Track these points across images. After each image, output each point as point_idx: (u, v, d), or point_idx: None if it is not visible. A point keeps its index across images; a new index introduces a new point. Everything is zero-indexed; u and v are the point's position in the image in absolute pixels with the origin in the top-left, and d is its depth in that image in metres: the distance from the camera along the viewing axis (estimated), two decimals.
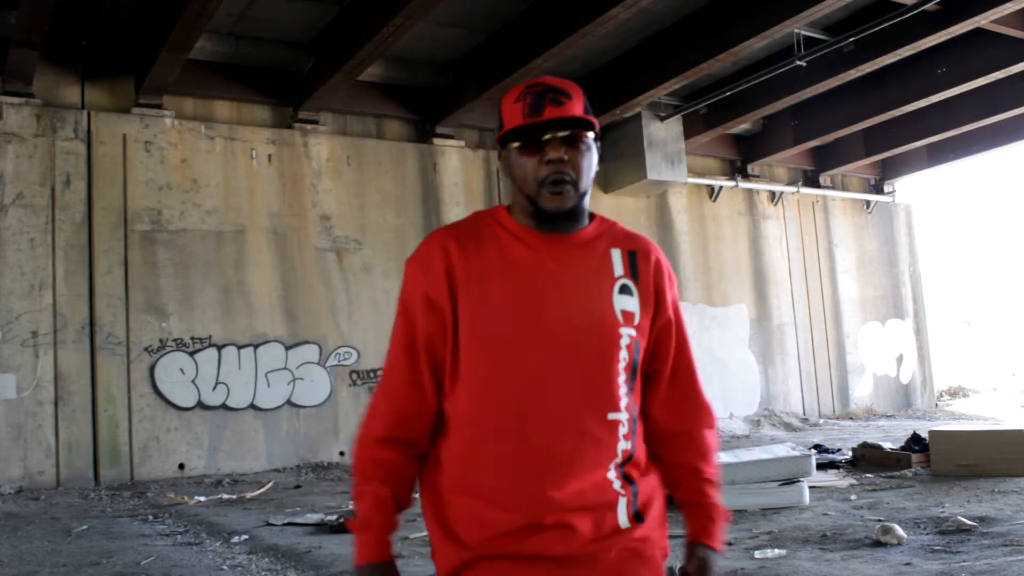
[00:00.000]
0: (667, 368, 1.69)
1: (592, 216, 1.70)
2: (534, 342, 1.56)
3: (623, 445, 1.59)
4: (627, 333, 1.60)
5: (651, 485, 1.66)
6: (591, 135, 1.61)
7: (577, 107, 1.59)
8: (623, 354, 1.60)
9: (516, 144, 1.59)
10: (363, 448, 1.68)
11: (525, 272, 1.60)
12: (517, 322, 1.57)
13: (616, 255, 1.66)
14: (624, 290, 1.63)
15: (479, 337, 1.57)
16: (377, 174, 11.52)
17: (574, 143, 1.58)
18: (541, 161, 1.56)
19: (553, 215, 1.60)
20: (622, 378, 1.60)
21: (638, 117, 12.43)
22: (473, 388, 1.58)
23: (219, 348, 10.20)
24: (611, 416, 1.58)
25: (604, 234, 1.69)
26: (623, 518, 1.58)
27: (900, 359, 16.64)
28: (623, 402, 1.59)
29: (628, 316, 1.61)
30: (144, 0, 9.30)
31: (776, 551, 4.84)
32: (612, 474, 1.58)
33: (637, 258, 1.68)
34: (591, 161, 1.61)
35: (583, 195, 1.62)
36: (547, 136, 1.56)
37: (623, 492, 1.59)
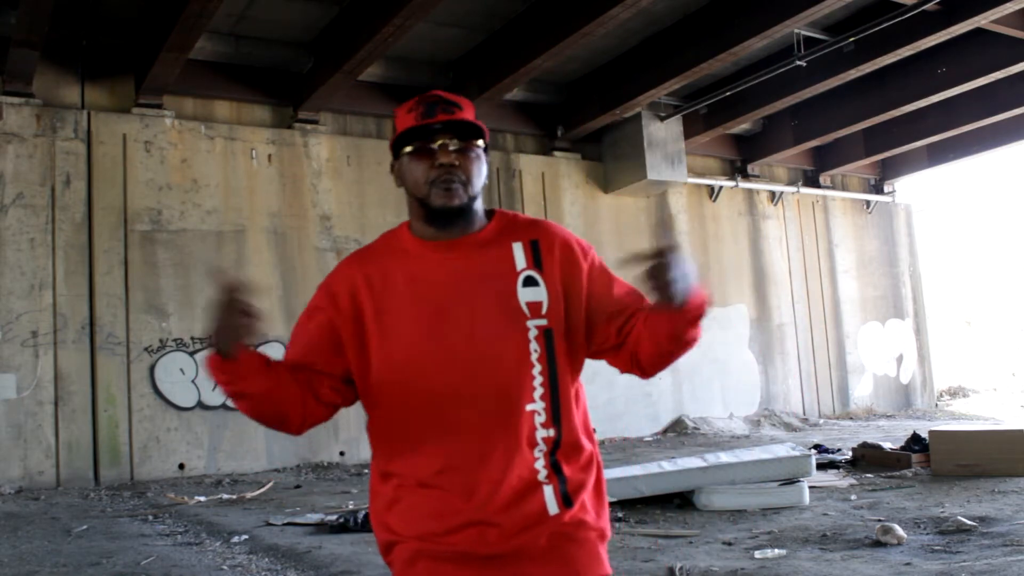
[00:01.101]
0: (624, 308, 1.69)
1: (492, 213, 1.74)
2: (439, 353, 1.61)
3: (542, 433, 1.62)
4: (535, 324, 1.63)
5: (583, 467, 1.67)
6: (481, 143, 1.66)
7: (468, 115, 1.65)
8: (532, 346, 1.62)
9: (408, 149, 1.64)
10: None
11: (423, 286, 1.65)
12: (422, 340, 1.62)
13: (518, 248, 1.68)
14: (529, 282, 1.66)
15: (388, 365, 1.64)
16: (377, 174, 11.52)
17: (464, 151, 1.64)
18: (432, 165, 1.62)
19: (443, 212, 1.63)
20: (536, 368, 1.62)
21: (638, 117, 12.44)
22: (387, 400, 1.65)
23: None
24: (528, 407, 1.61)
25: (505, 230, 1.71)
26: (552, 505, 1.61)
27: (900, 359, 16.64)
28: (537, 392, 1.62)
29: (535, 307, 1.64)
30: (144, 0, 9.30)
31: (776, 551, 4.84)
32: (539, 463, 1.61)
33: (540, 246, 1.69)
34: (481, 168, 1.66)
35: (472, 198, 1.65)
36: (438, 142, 1.62)
37: (548, 481, 1.61)
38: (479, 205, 1.69)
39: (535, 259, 1.67)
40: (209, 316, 1.53)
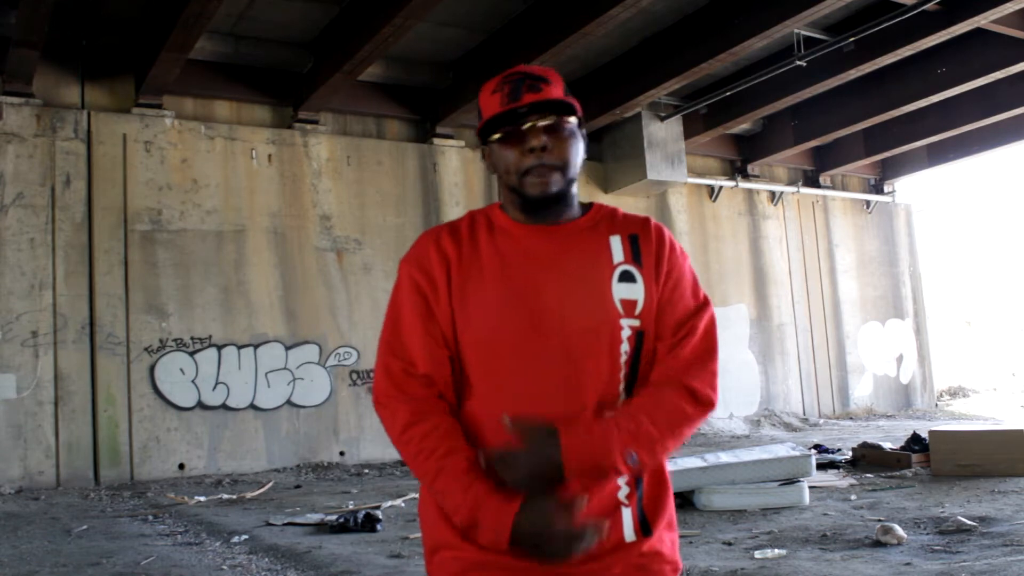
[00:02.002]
0: (663, 329, 1.55)
1: (590, 205, 1.63)
2: (527, 341, 1.48)
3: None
4: (628, 324, 1.50)
5: (659, 488, 1.54)
6: (573, 120, 1.54)
7: (556, 91, 1.52)
8: (623, 347, 1.50)
9: (497, 136, 1.53)
10: (385, 400, 1.54)
11: (516, 267, 1.52)
12: (509, 320, 1.49)
13: (615, 241, 1.57)
14: (625, 277, 1.53)
15: (472, 337, 1.51)
16: (377, 174, 11.52)
17: (555, 130, 1.51)
18: (523, 151, 1.50)
19: (539, 201, 1.53)
20: (623, 372, 1.50)
21: (638, 117, 12.44)
22: (470, 386, 1.53)
23: (219, 348, 10.20)
24: (608, 415, 1.47)
25: (602, 222, 1.60)
26: (628, 530, 1.48)
27: (900, 359, 16.64)
28: (622, 398, 1.50)
29: (629, 305, 1.51)
30: (144, 0, 9.30)
31: (776, 551, 4.84)
32: (621, 479, 1.48)
33: (639, 241, 1.57)
34: (576, 147, 1.54)
35: (570, 181, 1.54)
36: (527, 124, 1.50)
37: (627, 502, 1.49)
38: (575, 188, 1.58)
39: (634, 253, 1.55)
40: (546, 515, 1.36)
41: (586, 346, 1.48)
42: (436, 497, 1.48)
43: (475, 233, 1.58)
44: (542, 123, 1.50)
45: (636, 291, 1.53)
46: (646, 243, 1.57)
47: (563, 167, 1.51)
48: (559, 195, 1.53)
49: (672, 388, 1.50)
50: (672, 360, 1.52)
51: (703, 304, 1.58)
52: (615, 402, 1.49)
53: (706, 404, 1.51)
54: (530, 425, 1.41)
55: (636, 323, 1.51)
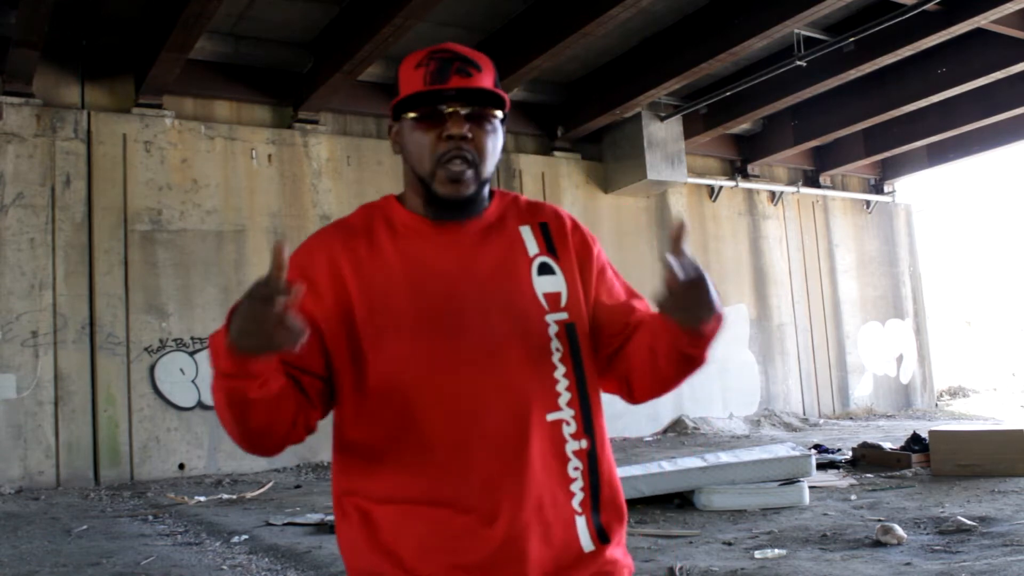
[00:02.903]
0: (625, 315, 1.48)
1: (492, 193, 1.48)
2: (448, 354, 1.34)
3: (574, 446, 1.37)
4: (554, 319, 1.39)
5: (613, 491, 1.42)
6: (499, 114, 1.40)
7: (487, 80, 1.37)
8: (555, 344, 1.38)
9: (412, 115, 1.37)
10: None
11: (425, 270, 1.38)
12: (426, 333, 1.34)
13: (527, 232, 1.45)
14: (544, 269, 1.42)
15: (383, 358, 1.35)
16: (377, 174, 11.52)
17: (479, 120, 1.37)
18: (440, 136, 1.35)
19: (447, 203, 1.38)
20: (560, 371, 1.38)
21: (638, 117, 12.44)
22: (384, 409, 1.35)
23: None
24: (551, 417, 1.36)
25: (508, 211, 1.47)
26: (585, 540, 1.36)
27: (900, 359, 16.64)
28: (563, 398, 1.37)
29: (553, 298, 1.40)
30: (144, 0, 9.30)
31: (776, 551, 4.84)
32: (576, 484, 1.37)
33: (550, 229, 1.46)
34: (496, 144, 1.40)
35: (484, 182, 1.40)
36: (449, 109, 1.35)
37: (581, 510, 1.36)
38: (487, 189, 1.44)
39: (547, 243, 1.44)
40: (248, 296, 1.24)
41: (513, 346, 1.36)
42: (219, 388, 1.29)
43: (371, 233, 1.41)
44: (465, 111, 1.35)
45: (557, 283, 1.42)
46: (558, 233, 1.46)
47: (479, 163, 1.37)
48: (470, 199, 1.39)
49: None
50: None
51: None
52: (556, 404, 1.37)
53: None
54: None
55: (563, 316, 1.40)
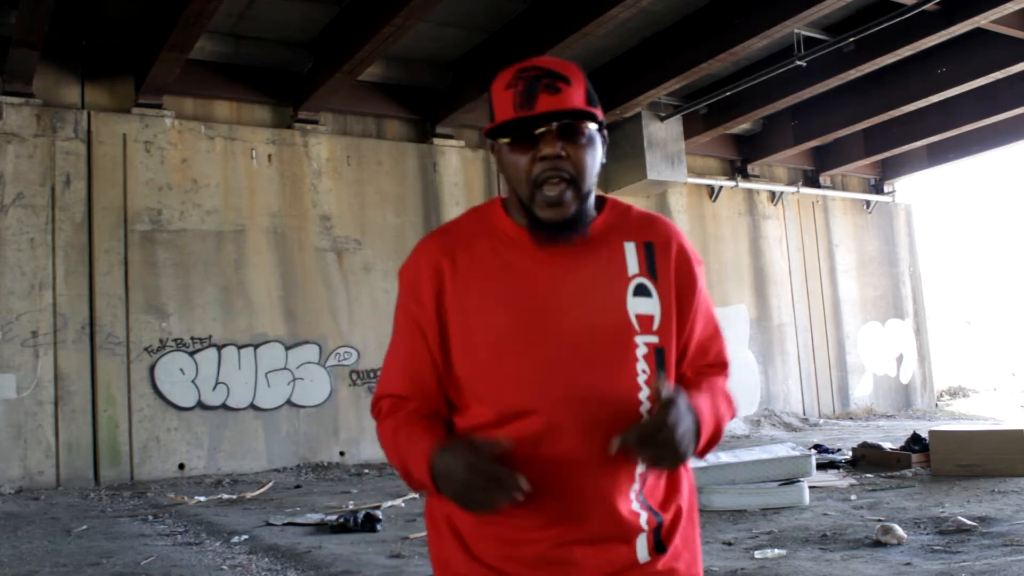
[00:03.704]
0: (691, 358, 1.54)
1: (603, 202, 1.50)
2: (534, 361, 1.38)
3: (642, 468, 1.42)
4: (644, 341, 1.41)
5: (677, 505, 1.49)
6: (593, 126, 1.40)
7: (576, 94, 1.38)
8: (641, 366, 1.40)
9: (505, 140, 1.40)
10: (374, 409, 1.55)
11: (522, 283, 1.41)
12: (514, 341, 1.39)
13: (630, 249, 1.45)
14: (640, 291, 1.43)
15: (473, 360, 1.42)
16: (377, 174, 11.52)
17: (572, 136, 1.37)
18: (534, 158, 1.36)
19: (550, 226, 1.40)
20: (644, 393, 1.40)
21: (638, 117, 12.44)
22: (474, 413, 1.44)
23: (219, 348, 10.20)
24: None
25: (616, 225, 1.48)
26: (642, 552, 1.42)
27: (900, 359, 16.64)
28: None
29: (645, 321, 1.41)
30: (144, 0, 9.30)
31: (776, 551, 4.84)
32: (635, 505, 1.42)
33: (655, 250, 1.46)
34: (594, 156, 1.40)
35: (586, 195, 1.41)
36: (541, 129, 1.36)
37: (645, 527, 1.42)
38: (590, 202, 1.44)
39: (649, 264, 1.44)
40: (468, 479, 1.31)
41: (597, 362, 1.39)
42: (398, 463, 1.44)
43: (472, 242, 1.46)
44: (557, 128, 1.36)
45: (652, 306, 1.43)
46: (662, 254, 1.46)
47: (578, 179, 1.37)
48: (572, 219, 1.40)
49: (719, 387, 1.53)
50: (708, 374, 1.54)
51: (717, 321, 1.58)
52: (631, 420, 1.39)
53: (734, 409, 1.57)
54: (668, 394, 1.34)
55: (654, 339, 1.42)
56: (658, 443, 1.30)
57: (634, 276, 1.43)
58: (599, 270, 1.43)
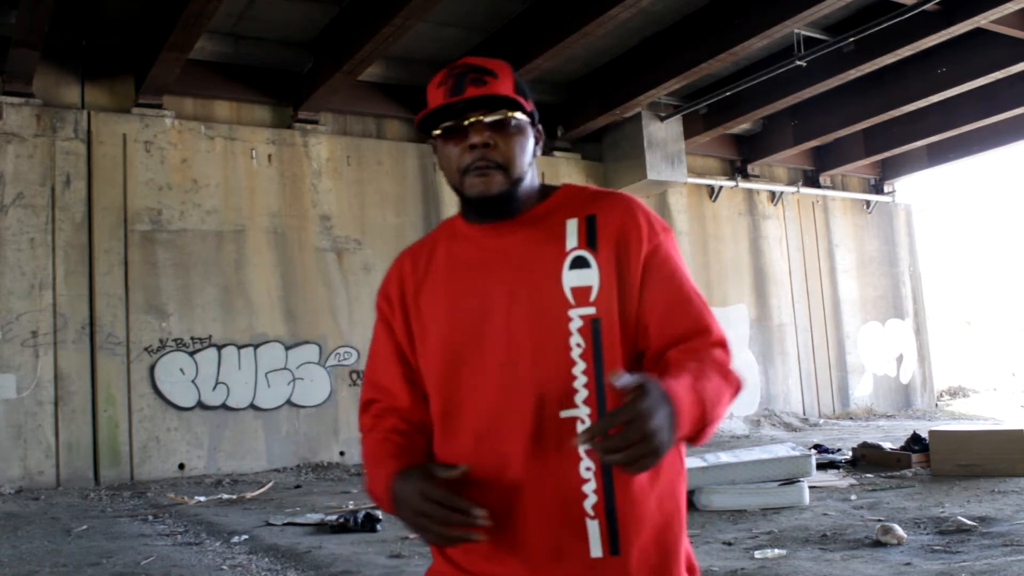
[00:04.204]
0: (654, 319, 1.41)
1: (556, 189, 1.51)
2: (474, 346, 1.41)
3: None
4: (579, 314, 1.37)
5: (647, 494, 1.36)
6: (521, 116, 1.42)
7: (504, 85, 1.41)
8: (575, 339, 1.36)
9: (437, 132, 1.44)
10: (361, 421, 1.61)
11: (465, 273, 1.46)
12: (455, 329, 1.43)
13: (571, 225, 1.43)
14: (577, 263, 1.40)
15: (427, 352, 1.48)
16: (377, 174, 11.52)
17: (501, 126, 1.40)
18: (464, 148, 1.40)
19: (480, 203, 1.42)
20: (579, 367, 1.35)
21: (638, 117, 12.43)
22: (433, 405, 1.49)
23: (219, 348, 10.20)
24: (564, 414, 1.35)
25: (562, 206, 1.47)
26: (595, 546, 1.33)
27: (900, 359, 16.64)
28: (580, 395, 1.35)
29: (581, 293, 1.38)
30: (144, 0, 9.30)
31: (776, 551, 4.84)
32: (588, 486, 1.33)
33: (597, 222, 1.43)
34: (524, 144, 1.42)
35: (516, 181, 1.42)
36: (470, 120, 1.39)
37: (593, 513, 1.33)
38: (529, 182, 1.45)
39: (589, 237, 1.42)
40: (418, 507, 1.30)
41: (531, 340, 1.38)
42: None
43: (435, 245, 1.53)
44: (486, 119, 1.39)
45: (590, 276, 1.38)
46: (606, 224, 1.42)
47: (506, 166, 1.40)
48: (501, 196, 1.41)
49: (709, 360, 1.37)
50: (690, 345, 1.40)
51: (690, 288, 1.43)
52: (572, 400, 1.35)
53: (738, 380, 1.41)
54: (642, 381, 1.22)
55: (590, 311, 1.37)
56: (629, 440, 1.15)
57: (572, 249, 1.41)
58: (534, 249, 1.43)
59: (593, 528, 1.33)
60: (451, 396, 1.44)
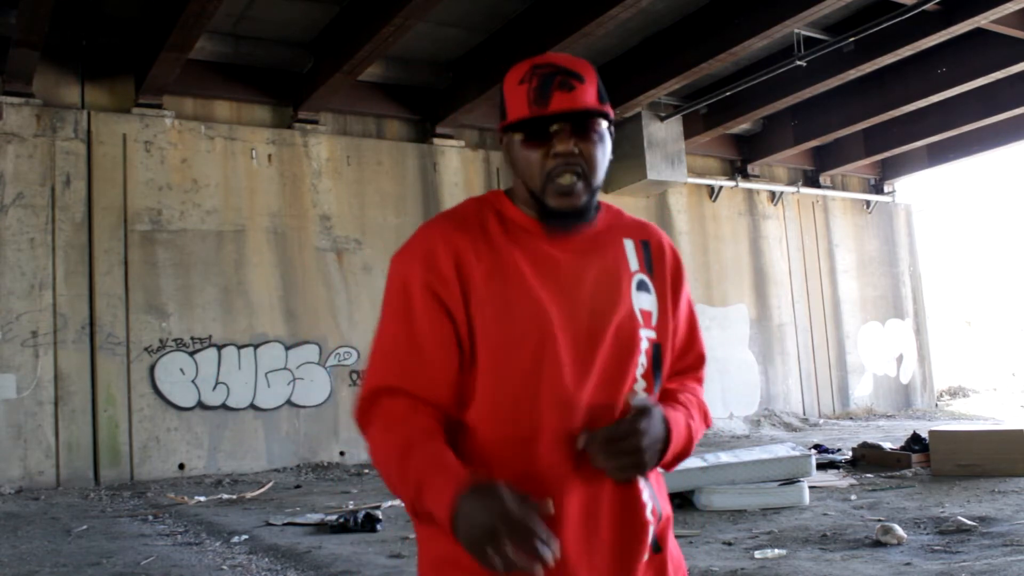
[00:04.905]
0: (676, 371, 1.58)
1: (597, 203, 1.52)
2: (556, 348, 1.38)
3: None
4: (646, 336, 1.44)
5: (667, 499, 1.52)
6: (604, 123, 1.42)
7: (589, 92, 1.39)
8: (641, 359, 1.43)
9: (519, 136, 1.40)
10: (364, 408, 1.41)
11: (546, 266, 1.41)
12: (541, 327, 1.38)
13: (629, 246, 1.49)
14: (641, 286, 1.47)
15: (499, 348, 1.38)
16: (377, 174, 11.52)
17: (585, 133, 1.39)
18: (548, 154, 1.38)
19: (561, 214, 1.41)
20: (641, 385, 1.43)
21: (638, 117, 12.43)
22: (491, 399, 1.38)
23: (219, 348, 10.20)
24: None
25: (614, 224, 1.51)
26: (647, 548, 1.43)
27: (900, 359, 16.64)
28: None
29: (646, 316, 1.45)
30: (144, 0, 9.30)
31: (776, 551, 4.84)
32: (645, 494, 1.43)
33: (651, 249, 1.51)
34: (604, 152, 1.43)
35: (595, 191, 1.43)
36: (555, 127, 1.37)
37: (652, 519, 1.42)
38: (597, 198, 1.47)
39: (647, 262, 1.49)
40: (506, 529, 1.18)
41: (610, 353, 1.40)
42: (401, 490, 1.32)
43: (486, 228, 1.43)
44: (572, 127, 1.38)
45: (651, 302, 1.47)
46: (658, 255, 1.51)
47: (589, 173, 1.40)
48: (583, 208, 1.42)
49: (697, 401, 1.54)
50: (689, 380, 1.57)
51: (698, 320, 1.62)
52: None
53: (710, 421, 1.58)
54: (643, 403, 1.37)
55: (653, 335, 1.46)
56: (622, 450, 1.31)
57: (635, 272, 1.47)
58: (608, 262, 1.45)
59: (650, 532, 1.42)
60: (525, 402, 1.36)
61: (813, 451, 8.48)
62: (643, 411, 1.33)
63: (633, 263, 1.48)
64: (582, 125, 1.38)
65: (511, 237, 1.43)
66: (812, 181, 15.88)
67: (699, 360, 1.60)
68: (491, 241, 1.41)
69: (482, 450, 1.37)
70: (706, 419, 1.54)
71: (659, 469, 1.46)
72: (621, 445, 1.31)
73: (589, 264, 1.44)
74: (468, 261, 1.38)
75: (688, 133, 12.96)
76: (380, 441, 1.37)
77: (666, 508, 1.49)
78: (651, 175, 12.54)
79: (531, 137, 1.39)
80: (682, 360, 1.56)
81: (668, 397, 1.49)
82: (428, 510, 1.27)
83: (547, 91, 1.36)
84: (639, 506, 1.41)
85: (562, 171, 1.38)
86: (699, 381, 1.60)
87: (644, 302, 1.46)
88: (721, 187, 14.58)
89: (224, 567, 5.13)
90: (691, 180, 13.68)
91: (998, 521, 5.40)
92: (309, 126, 11.19)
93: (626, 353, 1.42)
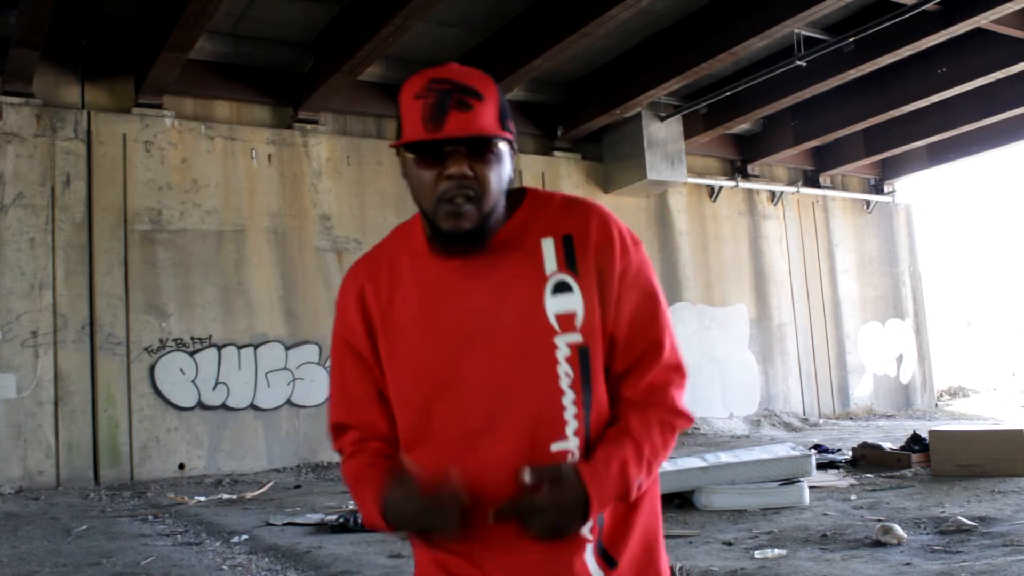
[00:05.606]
0: (620, 341, 1.41)
1: (522, 195, 1.44)
2: (453, 377, 1.36)
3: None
4: (565, 342, 1.34)
5: (629, 514, 1.40)
6: (502, 145, 1.35)
7: (488, 113, 1.33)
8: (563, 369, 1.34)
9: (411, 156, 1.34)
10: (332, 441, 1.54)
11: (434, 296, 1.39)
12: (431, 359, 1.37)
13: (548, 246, 1.38)
14: (560, 288, 1.36)
15: (397, 380, 1.42)
16: (377, 174, 11.52)
17: (481, 154, 1.32)
18: (441, 175, 1.31)
19: (451, 237, 1.34)
20: (568, 398, 1.34)
21: (638, 117, 12.44)
22: (402, 433, 1.43)
23: (219, 348, 10.20)
24: (555, 447, 1.34)
25: (534, 221, 1.41)
26: (592, 564, 1.35)
27: (900, 359, 16.64)
28: (571, 427, 1.34)
29: (566, 319, 1.34)
30: (144, 0, 9.30)
31: (776, 551, 4.84)
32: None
33: (574, 242, 1.38)
34: (501, 172, 1.36)
35: (490, 212, 1.34)
36: (449, 147, 1.31)
37: (590, 536, 1.35)
38: (495, 216, 1.38)
39: (568, 258, 1.37)
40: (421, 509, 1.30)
41: (517, 374, 1.34)
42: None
43: (395, 260, 1.45)
44: (466, 148, 1.32)
45: (573, 302, 1.35)
46: (582, 244, 1.38)
47: (482, 198, 1.32)
48: (473, 232, 1.34)
49: (655, 410, 1.39)
50: (644, 380, 1.40)
51: (660, 305, 1.43)
52: (562, 432, 1.34)
53: (687, 421, 1.43)
54: (549, 469, 1.30)
55: (577, 338, 1.34)
56: (535, 523, 1.28)
57: (552, 274, 1.37)
58: (513, 274, 1.37)
59: (588, 551, 1.36)
60: (424, 427, 1.39)
61: (813, 451, 8.49)
62: (551, 481, 1.28)
63: (550, 264, 1.37)
64: (478, 146, 1.32)
65: (413, 263, 1.43)
66: (812, 181, 15.88)
67: (654, 347, 1.40)
68: (395, 272, 1.44)
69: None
70: (673, 426, 1.41)
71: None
72: (533, 521, 1.28)
73: (482, 285, 1.37)
74: (370, 304, 1.44)
75: (688, 133, 12.96)
76: (345, 473, 1.50)
77: (639, 518, 1.42)
78: (651, 175, 12.55)
79: (424, 157, 1.33)
80: (630, 351, 1.39)
81: (613, 428, 1.38)
82: (373, 521, 1.39)
83: (442, 111, 1.30)
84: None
85: (454, 194, 1.31)
86: (664, 382, 1.41)
87: (564, 305, 1.35)
88: (721, 187, 14.58)
89: (224, 567, 5.13)
90: (691, 180, 13.68)
91: (998, 521, 5.40)
92: (309, 126, 11.19)
93: (534, 369, 1.34)
